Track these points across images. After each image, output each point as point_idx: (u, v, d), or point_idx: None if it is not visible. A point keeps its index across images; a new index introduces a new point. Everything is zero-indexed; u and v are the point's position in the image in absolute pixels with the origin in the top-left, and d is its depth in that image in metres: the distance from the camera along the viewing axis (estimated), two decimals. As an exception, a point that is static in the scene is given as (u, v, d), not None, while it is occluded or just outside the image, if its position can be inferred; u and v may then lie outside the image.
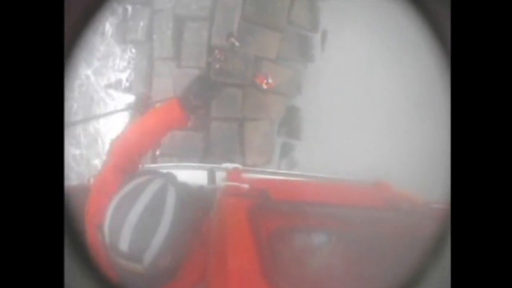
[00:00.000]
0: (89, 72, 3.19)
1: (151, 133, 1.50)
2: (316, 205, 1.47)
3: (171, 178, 1.21)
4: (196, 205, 1.25)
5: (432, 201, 1.40)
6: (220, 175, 1.82)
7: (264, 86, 2.89)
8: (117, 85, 3.18)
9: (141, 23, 3.08)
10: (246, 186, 1.51)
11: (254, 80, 2.90)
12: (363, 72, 2.90)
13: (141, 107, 3.06)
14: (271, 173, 2.31)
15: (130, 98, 3.18)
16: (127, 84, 3.17)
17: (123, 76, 3.16)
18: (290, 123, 3.03)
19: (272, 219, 1.38)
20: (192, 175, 1.97)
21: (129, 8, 3.13)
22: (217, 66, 2.85)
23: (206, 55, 2.95)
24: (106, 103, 3.23)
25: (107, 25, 3.13)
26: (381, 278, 1.11)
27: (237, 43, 2.85)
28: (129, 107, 3.00)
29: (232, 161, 2.66)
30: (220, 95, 1.58)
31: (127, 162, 1.41)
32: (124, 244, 1.07)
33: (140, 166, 1.49)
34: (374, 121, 2.84)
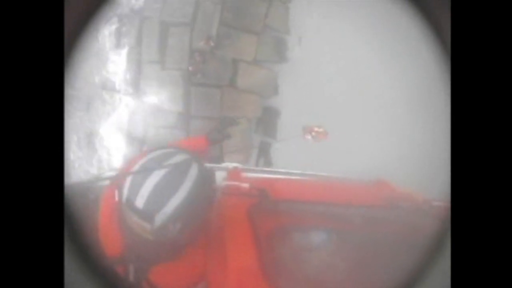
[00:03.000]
0: (85, 73, 3.35)
1: None
2: (316, 204, 1.47)
3: (196, 156, 1.28)
4: (210, 190, 1.31)
5: (432, 199, 1.40)
6: (220, 175, 1.82)
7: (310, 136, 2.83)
8: (110, 86, 3.35)
9: (132, 30, 3.35)
10: (246, 185, 1.52)
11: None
12: (357, 71, 2.92)
13: (131, 107, 3.24)
14: (271, 172, 2.31)
15: (121, 99, 3.36)
16: (119, 86, 3.35)
17: (116, 78, 3.33)
18: (268, 122, 3.18)
19: (272, 218, 1.38)
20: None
21: (122, 15, 3.32)
22: (195, 68, 3.05)
23: (188, 58, 3.22)
24: (102, 102, 3.38)
25: (102, 31, 3.31)
26: (381, 277, 1.11)
27: (212, 43, 3.00)
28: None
29: (210, 158, 2.82)
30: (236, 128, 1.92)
31: None
32: (140, 201, 1.14)
33: None
34: (374, 119, 2.85)
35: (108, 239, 1.28)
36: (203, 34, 3.15)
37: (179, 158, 1.22)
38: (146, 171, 1.18)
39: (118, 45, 3.33)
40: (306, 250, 1.36)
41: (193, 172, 1.21)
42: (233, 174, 1.81)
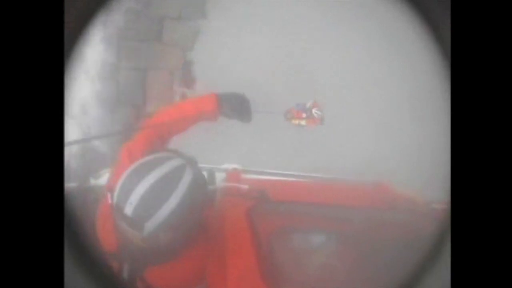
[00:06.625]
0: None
1: (183, 118, 1.54)
2: (315, 206, 1.48)
3: (192, 162, 1.24)
4: (204, 196, 1.26)
5: (432, 201, 1.40)
6: (219, 176, 1.82)
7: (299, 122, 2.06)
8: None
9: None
10: (245, 187, 1.52)
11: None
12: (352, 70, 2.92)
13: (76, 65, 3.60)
14: (271, 173, 2.31)
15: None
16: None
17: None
18: (189, 75, 3.61)
19: (271, 220, 1.38)
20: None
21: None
22: (127, 25, 3.48)
23: (122, 18, 3.61)
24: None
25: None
26: (381, 279, 1.11)
27: (140, 4, 3.50)
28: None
29: (135, 106, 3.48)
30: (248, 121, 1.53)
31: (158, 136, 1.45)
32: (129, 208, 1.10)
33: (166, 145, 1.52)
34: (373, 121, 2.85)
35: (104, 237, 1.26)
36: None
37: (173, 163, 1.18)
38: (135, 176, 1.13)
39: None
40: (306, 252, 1.36)
41: (187, 178, 1.16)
42: (232, 175, 1.81)
